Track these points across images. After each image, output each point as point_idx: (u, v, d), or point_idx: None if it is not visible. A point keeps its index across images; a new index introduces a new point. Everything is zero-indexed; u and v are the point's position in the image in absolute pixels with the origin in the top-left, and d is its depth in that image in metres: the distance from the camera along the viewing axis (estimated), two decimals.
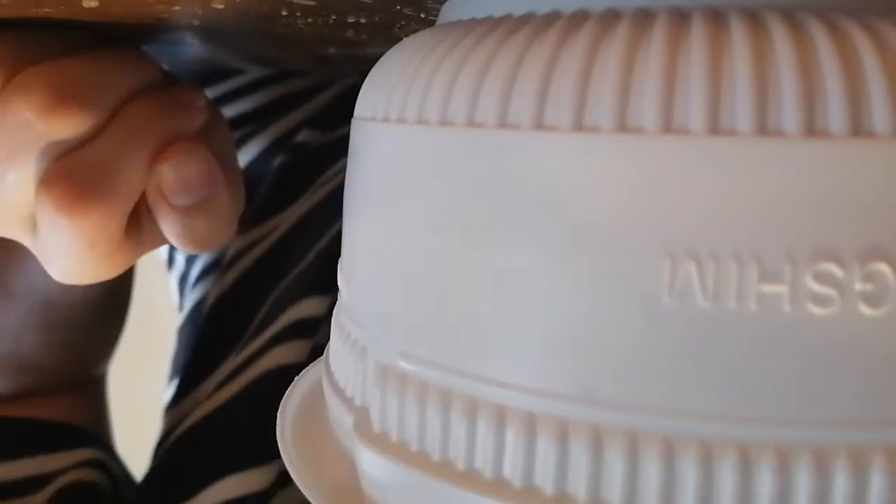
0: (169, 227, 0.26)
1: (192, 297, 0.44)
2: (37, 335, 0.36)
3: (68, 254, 0.24)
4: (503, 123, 0.14)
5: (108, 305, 0.39)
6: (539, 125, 0.14)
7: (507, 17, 0.16)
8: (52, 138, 0.23)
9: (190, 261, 0.46)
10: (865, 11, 0.14)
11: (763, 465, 0.13)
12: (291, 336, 0.32)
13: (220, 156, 0.27)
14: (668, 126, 0.13)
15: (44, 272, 0.34)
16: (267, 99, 0.43)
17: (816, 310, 0.12)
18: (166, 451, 0.35)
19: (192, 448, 0.34)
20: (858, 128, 0.12)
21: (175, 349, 0.45)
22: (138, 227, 0.26)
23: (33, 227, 0.25)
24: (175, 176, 0.25)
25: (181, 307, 0.46)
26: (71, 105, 0.23)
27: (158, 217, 0.26)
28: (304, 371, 0.22)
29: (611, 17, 0.14)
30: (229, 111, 0.43)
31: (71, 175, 0.23)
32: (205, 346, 0.39)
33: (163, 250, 0.49)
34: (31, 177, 0.23)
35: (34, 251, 0.26)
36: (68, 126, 0.23)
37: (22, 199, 0.24)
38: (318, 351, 0.32)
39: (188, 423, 0.34)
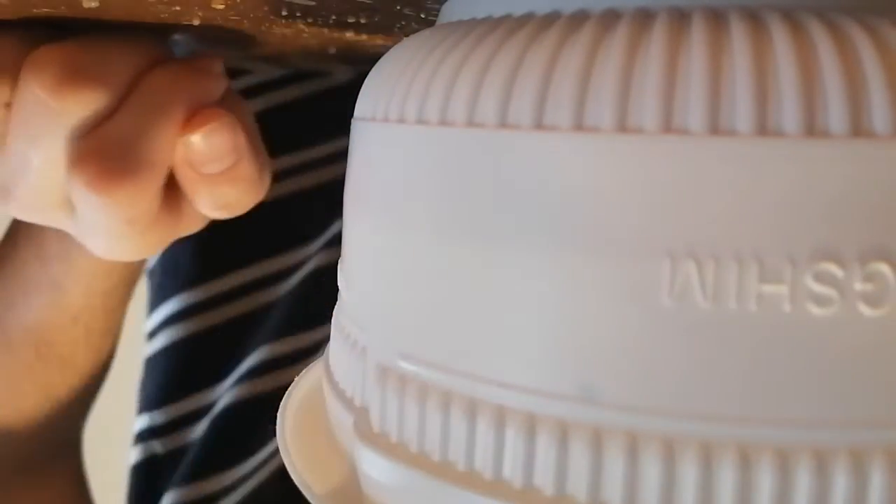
0: (199, 195, 0.26)
1: (167, 336, 0.44)
2: (36, 385, 0.37)
3: (108, 231, 0.24)
4: (503, 123, 0.14)
5: (106, 340, 0.39)
6: (539, 125, 0.14)
7: (507, 17, 0.16)
8: (68, 115, 0.23)
9: (157, 299, 0.45)
10: (865, 11, 0.14)
11: (763, 465, 0.13)
12: None
13: (242, 124, 0.26)
14: (668, 126, 0.13)
15: (42, 307, 0.35)
16: (270, 104, 0.43)
17: (816, 310, 0.12)
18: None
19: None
20: (858, 128, 0.12)
21: (144, 380, 0.44)
22: (175, 200, 0.26)
23: (71, 208, 0.25)
24: (205, 146, 0.24)
25: (150, 336, 0.45)
26: (82, 79, 0.22)
27: (188, 187, 0.25)
28: (304, 371, 0.22)
29: (611, 17, 0.14)
30: None
31: (100, 152, 0.23)
32: (191, 376, 0.40)
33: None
34: (59, 158, 0.23)
35: (74, 233, 0.26)
36: (81, 101, 0.22)
37: (53, 181, 0.24)
38: None
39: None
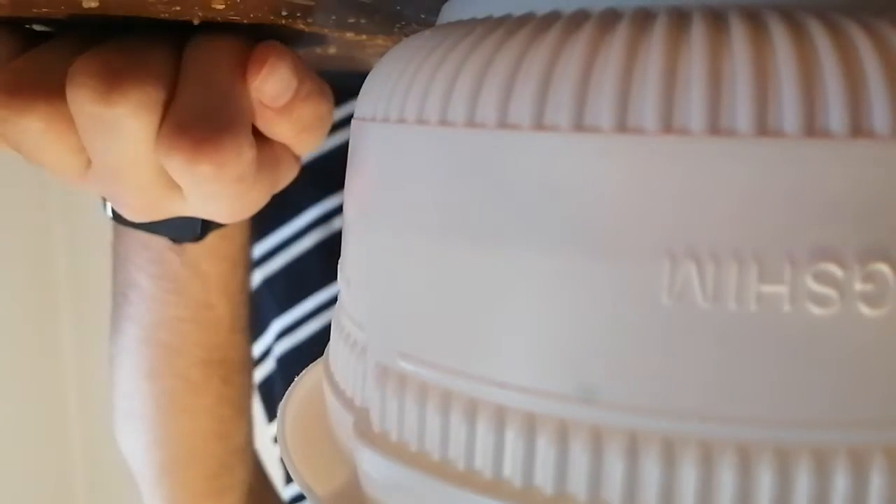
0: (282, 128, 0.26)
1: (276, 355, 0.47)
2: (233, 408, 0.41)
3: (223, 195, 0.24)
4: (503, 123, 0.14)
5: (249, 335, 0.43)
6: (539, 125, 0.14)
7: (507, 18, 0.16)
8: (128, 117, 0.22)
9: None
10: (865, 11, 0.14)
11: (763, 465, 0.13)
12: None
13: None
14: (668, 126, 0.13)
15: (206, 337, 0.38)
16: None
17: (816, 310, 0.12)
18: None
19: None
20: (858, 128, 0.12)
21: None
22: (267, 147, 0.26)
23: (178, 191, 0.25)
24: (273, 82, 0.24)
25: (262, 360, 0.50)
26: (126, 81, 0.22)
27: (270, 127, 0.26)
28: (304, 371, 0.22)
29: (611, 18, 0.14)
30: None
31: (185, 127, 0.22)
32: None
33: None
34: (142, 155, 0.23)
35: (190, 212, 0.26)
36: (133, 101, 0.22)
37: (149, 176, 0.24)
38: None
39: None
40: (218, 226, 0.34)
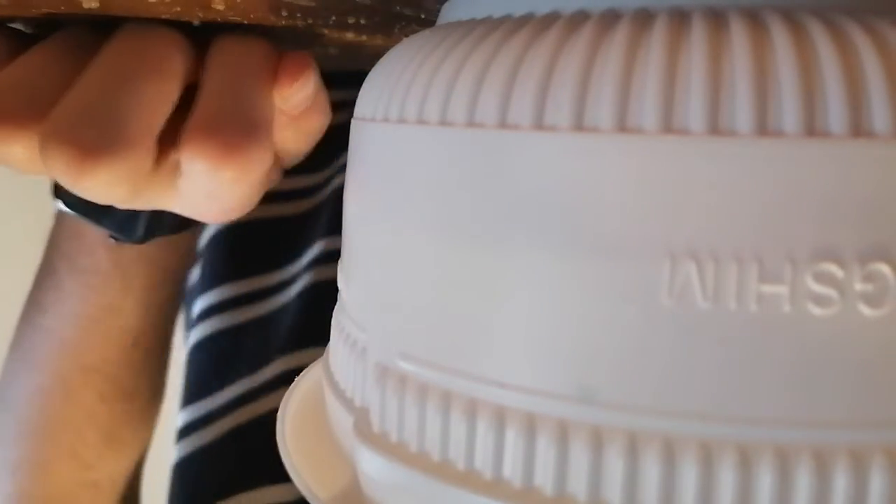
0: (288, 132, 0.25)
1: (200, 331, 0.44)
2: (99, 433, 0.38)
3: (230, 197, 0.24)
4: (503, 123, 0.14)
5: (162, 362, 0.40)
6: (539, 125, 0.14)
7: (506, 18, 0.16)
8: (104, 180, 0.21)
9: (188, 302, 0.46)
10: (865, 11, 0.14)
11: (763, 465, 0.13)
12: None
13: None
14: (668, 126, 0.13)
15: (101, 341, 0.35)
16: None
17: (816, 310, 0.12)
18: (196, 459, 0.35)
19: (224, 457, 0.34)
20: (858, 128, 0.12)
21: (186, 378, 0.45)
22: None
23: (174, 189, 0.24)
24: (302, 94, 0.24)
25: (187, 337, 0.46)
26: (95, 163, 0.21)
27: (278, 132, 0.25)
28: (304, 372, 0.22)
29: (611, 18, 0.14)
30: None
31: (215, 127, 0.22)
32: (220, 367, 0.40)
33: None
34: (135, 173, 0.22)
35: (179, 210, 0.26)
36: (102, 179, 0.21)
37: (149, 172, 0.23)
38: None
39: (212, 435, 0.35)
40: (164, 233, 0.32)
